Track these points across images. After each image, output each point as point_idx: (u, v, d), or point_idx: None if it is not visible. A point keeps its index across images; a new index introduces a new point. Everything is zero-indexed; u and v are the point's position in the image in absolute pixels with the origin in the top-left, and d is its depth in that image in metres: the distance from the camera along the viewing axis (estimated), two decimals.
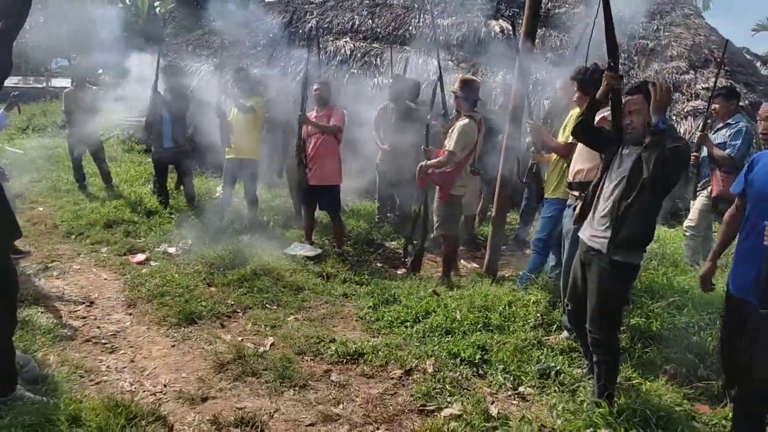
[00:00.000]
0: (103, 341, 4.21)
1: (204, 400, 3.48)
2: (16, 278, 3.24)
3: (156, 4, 32.27)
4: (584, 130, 3.51)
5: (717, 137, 5.66)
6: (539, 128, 5.11)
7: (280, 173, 7.52)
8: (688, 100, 9.10)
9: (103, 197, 8.07)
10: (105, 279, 5.46)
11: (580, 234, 3.51)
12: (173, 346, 4.19)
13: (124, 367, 3.86)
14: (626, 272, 3.29)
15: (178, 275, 5.39)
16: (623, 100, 3.33)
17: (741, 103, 8.45)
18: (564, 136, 4.81)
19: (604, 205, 3.33)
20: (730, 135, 5.53)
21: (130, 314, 4.72)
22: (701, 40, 10.32)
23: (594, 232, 3.35)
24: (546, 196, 5.12)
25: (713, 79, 8.85)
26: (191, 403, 3.43)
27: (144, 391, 3.54)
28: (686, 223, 5.90)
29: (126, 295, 5.07)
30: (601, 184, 3.42)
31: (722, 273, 5.35)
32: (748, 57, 17.68)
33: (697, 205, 5.82)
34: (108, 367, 3.84)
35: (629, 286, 3.52)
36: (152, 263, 5.88)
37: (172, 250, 6.23)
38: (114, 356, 4.01)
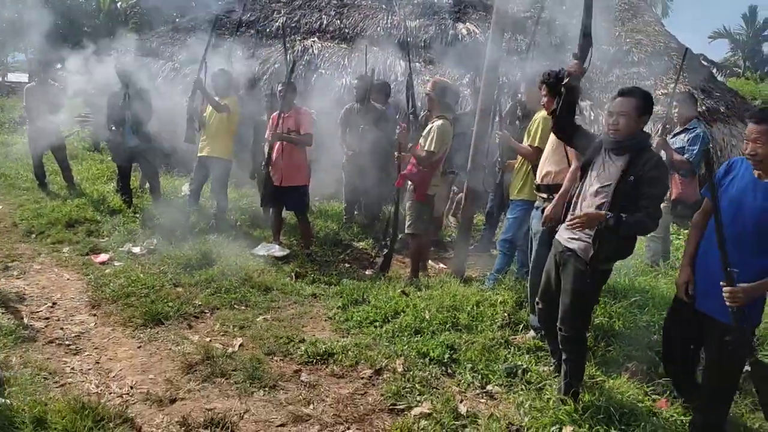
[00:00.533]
0: (67, 342, 4.13)
1: (172, 401, 3.44)
2: None
3: None
4: (560, 128, 3.56)
5: (676, 142, 5.84)
6: (508, 138, 5.19)
7: (252, 174, 7.45)
8: None
9: (65, 195, 7.89)
10: (67, 279, 5.34)
11: (557, 235, 3.56)
12: (139, 347, 4.13)
13: (90, 369, 3.79)
14: (602, 275, 3.41)
15: (144, 275, 5.31)
16: (614, 101, 3.31)
17: (699, 109, 8.74)
18: (530, 140, 4.90)
19: (586, 207, 3.31)
20: (688, 140, 5.72)
21: (95, 315, 4.63)
22: (661, 47, 10.60)
23: (573, 234, 3.38)
24: (512, 197, 5.21)
25: (672, 85, 9.14)
26: (159, 404, 3.39)
27: (110, 393, 3.49)
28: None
29: (89, 296, 4.97)
30: (580, 185, 3.44)
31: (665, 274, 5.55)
32: (705, 64, 18.24)
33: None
34: (73, 368, 3.77)
35: (601, 287, 3.60)
36: (116, 263, 5.78)
37: (136, 249, 6.13)
38: (78, 358, 3.93)
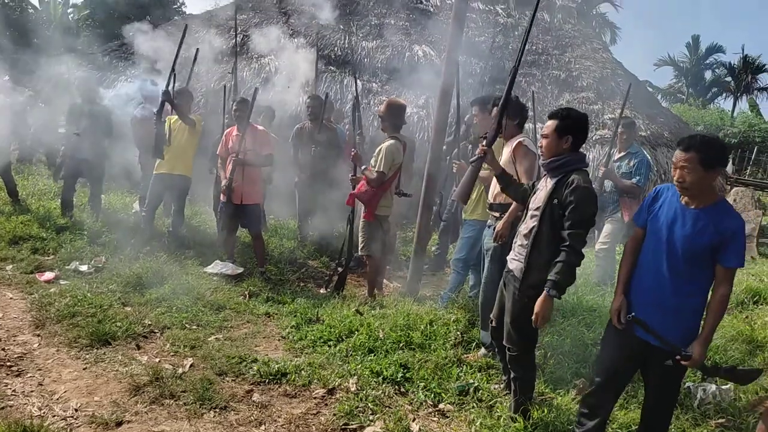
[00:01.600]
0: (9, 364, 3.97)
1: (118, 424, 3.35)
2: None
3: (69, 10, 30.99)
4: (509, 191, 3.73)
5: (621, 167, 6.05)
6: (462, 166, 5.27)
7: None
8: (595, 129, 9.66)
9: (9, 212, 7.62)
10: (10, 298, 5.15)
11: (508, 255, 3.62)
12: (85, 368, 4.01)
13: (32, 391, 3.66)
14: (539, 294, 3.25)
15: (91, 294, 5.17)
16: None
17: (642, 133, 9.09)
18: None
19: (523, 228, 3.43)
20: (634, 164, 5.94)
21: (38, 335, 4.47)
22: (608, 73, 11.02)
23: (512, 255, 3.48)
24: (465, 217, 5.30)
25: (619, 110, 9.50)
26: (105, 427, 3.30)
27: (54, 416, 3.38)
28: (598, 245, 6.23)
29: (33, 316, 4.80)
30: (526, 206, 3.53)
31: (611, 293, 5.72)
32: (650, 90, 18.98)
33: (608, 229, 6.17)
34: (14, 391, 3.63)
35: None
36: (62, 282, 5.61)
37: (83, 268, 5.96)
38: (21, 379, 3.79)
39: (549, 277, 3.13)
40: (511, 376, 3.54)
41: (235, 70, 8.25)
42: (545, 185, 3.36)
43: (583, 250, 3.14)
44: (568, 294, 5.19)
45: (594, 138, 9.41)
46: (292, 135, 7.40)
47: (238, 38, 11.13)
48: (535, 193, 3.48)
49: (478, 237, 5.05)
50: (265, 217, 7.66)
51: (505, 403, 3.69)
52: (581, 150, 3.41)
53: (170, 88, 6.53)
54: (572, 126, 3.27)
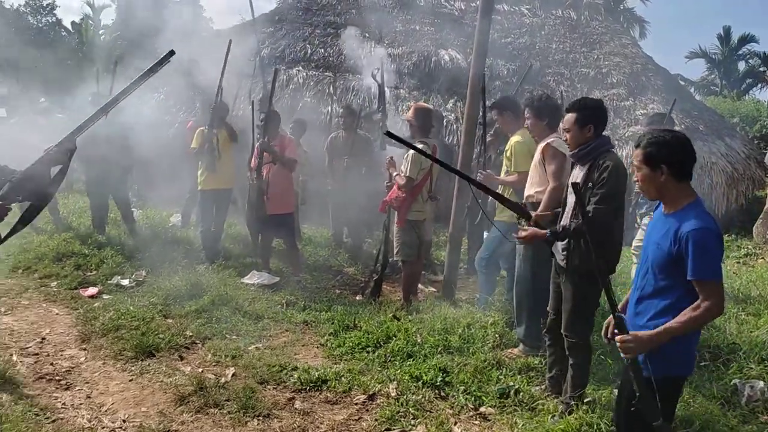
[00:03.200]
0: (57, 378, 4.09)
1: None
2: None
3: (101, 32, 31.81)
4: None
5: None
6: (491, 177, 5.26)
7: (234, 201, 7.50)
8: (628, 126, 9.53)
9: (51, 230, 7.86)
10: (56, 314, 5.31)
11: (553, 248, 3.70)
12: (131, 380, 4.11)
13: (81, 404, 3.76)
14: (592, 280, 3.34)
15: (133, 308, 5.28)
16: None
17: (676, 127, 8.92)
18: (511, 166, 5.01)
19: (564, 220, 3.56)
20: None
21: (84, 349, 4.60)
22: (638, 68, 10.86)
23: (561, 245, 3.59)
24: (495, 218, 5.28)
25: (651, 106, 9.36)
26: None
27: (103, 428, 3.47)
28: (635, 243, 6.14)
29: (79, 330, 4.94)
30: (563, 202, 3.65)
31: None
32: (682, 83, 18.63)
33: (644, 228, 6.08)
34: (64, 404, 3.74)
35: (596, 293, 3.61)
36: (105, 296, 5.75)
37: (125, 282, 6.11)
38: (69, 393, 3.90)
39: (555, 228, 3.44)
40: (569, 362, 3.63)
41: (274, 83, 8.34)
42: (578, 175, 3.53)
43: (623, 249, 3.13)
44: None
45: (627, 134, 9.29)
46: (325, 144, 7.46)
47: (265, 51, 11.32)
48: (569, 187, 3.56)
49: (503, 238, 5.06)
50: (298, 226, 7.74)
51: (547, 405, 3.66)
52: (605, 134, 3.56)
53: (219, 99, 6.74)
54: (591, 115, 3.48)
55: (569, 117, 3.52)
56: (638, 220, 6.17)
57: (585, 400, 3.58)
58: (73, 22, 31.25)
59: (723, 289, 2.47)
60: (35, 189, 2.80)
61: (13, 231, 2.86)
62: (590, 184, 3.39)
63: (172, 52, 2.79)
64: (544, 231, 3.51)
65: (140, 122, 8.93)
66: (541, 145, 4.35)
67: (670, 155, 2.50)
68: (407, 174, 5.37)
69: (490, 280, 5.44)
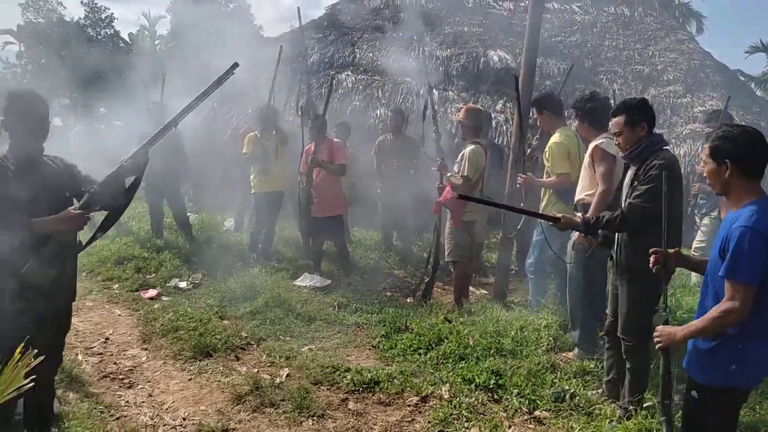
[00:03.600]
0: (121, 377, 4.25)
1: (224, 431, 3.51)
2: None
3: (156, 42, 32.84)
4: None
5: None
6: (531, 180, 5.18)
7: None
8: (685, 123, 9.24)
9: (113, 234, 8.14)
10: (118, 315, 5.51)
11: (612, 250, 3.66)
12: (190, 379, 4.23)
13: (143, 402, 3.89)
14: (646, 283, 3.35)
15: (191, 309, 5.44)
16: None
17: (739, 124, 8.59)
18: (550, 167, 4.95)
19: None
20: None
21: (146, 349, 4.76)
22: (696, 64, 10.51)
23: (615, 248, 3.57)
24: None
25: (710, 102, 9.05)
26: None
27: (164, 425, 3.58)
28: (695, 245, 5.97)
29: (140, 331, 5.12)
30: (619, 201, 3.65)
31: None
32: (742, 79, 17.94)
33: (705, 228, 5.90)
34: (127, 402, 3.88)
35: (653, 295, 3.50)
36: (164, 298, 5.94)
37: (183, 284, 6.29)
38: (132, 391, 4.05)
39: (589, 218, 3.47)
40: (627, 366, 3.56)
41: (330, 89, 8.47)
42: (630, 177, 3.52)
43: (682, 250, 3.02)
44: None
45: (684, 132, 9.00)
46: (374, 148, 7.51)
47: (314, 57, 11.48)
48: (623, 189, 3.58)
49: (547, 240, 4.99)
50: (348, 229, 7.80)
51: (604, 410, 3.59)
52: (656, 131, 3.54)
53: (270, 104, 7.02)
54: (639, 113, 3.44)
55: (617, 120, 3.48)
56: (697, 221, 5.99)
57: (644, 405, 3.49)
58: (130, 34, 32.39)
59: (751, 295, 2.34)
60: (112, 199, 2.97)
61: (93, 238, 3.05)
62: (635, 183, 3.38)
63: (235, 65, 2.91)
64: (577, 220, 3.51)
65: (194, 129, 9.21)
66: (590, 147, 4.27)
67: (735, 150, 2.44)
68: (463, 173, 5.35)
69: (541, 284, 5.37)
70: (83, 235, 3.17)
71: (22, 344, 1.42)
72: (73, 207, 2.96)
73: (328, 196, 6.38)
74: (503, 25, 11.67)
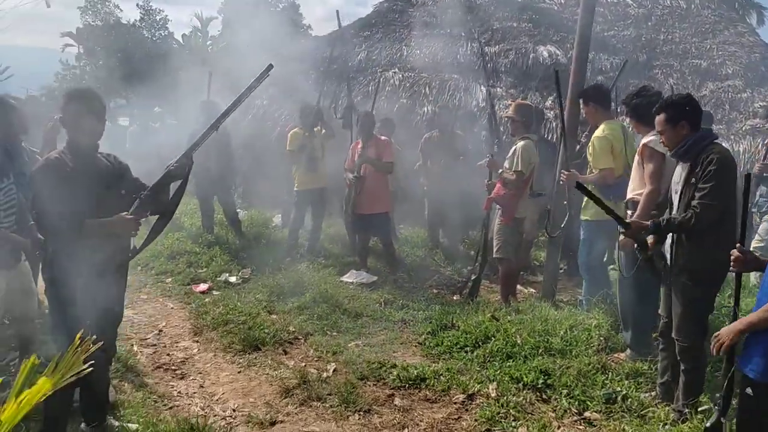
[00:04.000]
0: (173, 368, 4.37)
1: (272, 424, 3.57)
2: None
3: (208, 43, 33.56)
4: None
5: None
6: (574, 176, 5.01)
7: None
8: (745, 119, 8.89)
9: (165, 230, 8.34)
10: (171, 308, 5.66)
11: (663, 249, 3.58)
12: (240, 372, 4.31)
13: (195, 393, 3.99)
14: (703, 283, 3.34)
15: (240, 303, 5.55)
16: None
17: None
18: (593, 162, 4.85)
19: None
20: None
21: (197, 341, 4.88)
22: (756, 58, 10.10)
23: (667, 245, 3.49)
24: (581, 217, 5.09)
25: None
26: (261, 426, 3.53)
27: (215, 416, 3.66)
28: (754, 243, 5.74)
29: (192, 323, 5.24)
30: (669, 199, 3.56)
31: None
32: None
33: (764, 228, 5.67)
34: (179, 392, 3.99)
35: (709, 295, 3.47)
36: (215, 292, 6.07)
37: (232, 279, 6.42)
38: (184, 382, 4.15)
39: (659, 220, 3.34)
40: (681, 368, 3.47)
41: (378, 86, 8.53)
42: (681, 174, 3.43)
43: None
44: (722, 297, 4.83)
45: (744, 128, 8.65)
46: (420, 144, 7.50)
47: (362, 55, 11.53)
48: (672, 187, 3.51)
49: (593, 238, 4.88)
50: (395, 226, 7.81)
51: (658, 413, 3.49)
52: (704, 126, 3.45)
53: (319, 103, 7.12)
54: (681, 111, 3.35)
55: (659, 119, 3.41)
56: (757, 219, 5.75)
57: (699, 409, 3.37)
58: (183, 35, 33.20)
59: None
60: (161, 203, 3.07)
61: (147, 241, 3.15)
62: (693, 180, 3.27)
63: (270, 66, 3.01)
64: (647, 223, 3.40)
65: (244, 127, 9.39)
66: (640, 145, 4.15)
67: None
68: (516, 168, 5.28)
69: (595, 282, 5.23)
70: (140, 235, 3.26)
71: (81, 331, 1.48)
72: (126, 212, 3.05)
73: (375, 193, 6.41)
74: (553, 20, 11.45)
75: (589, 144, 4.91)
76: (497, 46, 11.00)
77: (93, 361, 1.43)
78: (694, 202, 3.19)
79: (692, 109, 3.37)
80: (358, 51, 11.81)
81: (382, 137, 6.63)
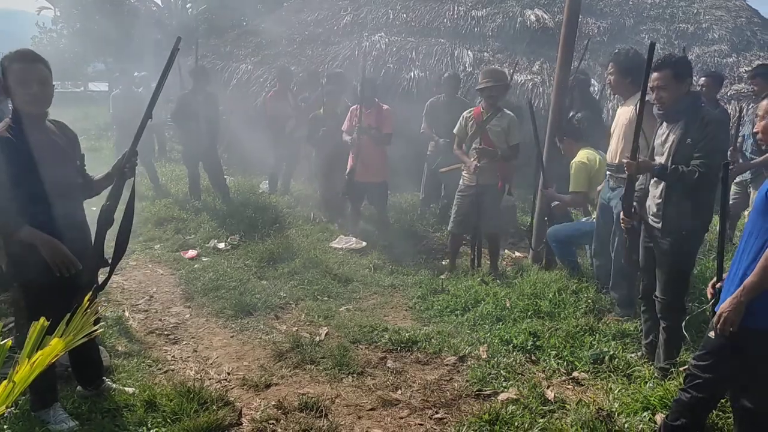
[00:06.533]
0: (166, 333, 4.39)
1: (267, 386, 3.61)
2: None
3: (188, 5, 32.77)
4: None
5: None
6: (551, 195, 5.27)
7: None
8: (731, 84, 8.94)
9: (152, 196, 8.31)
10: (161, 274, 5.66)
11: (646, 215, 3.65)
12: (232, 336, 4.35)
13: (189, 357, 4.02)
14: (686, 242, 3.42)
15: (230, 270, 5.56)
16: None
17: None
18: (570, 181, 5.05)
19: (656, 184, 3.52)
20: None
21: (189, 307, 4.89)
22: (742, 22, 10.12)
23: (652, 208, 3.55)
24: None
25: (757, 62, 8.72)
26: (255, 389, 3.57)
27: (210, 379, 3.70)
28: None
29: (182, 289, 5.25)
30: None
31: None
32: None
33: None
34: (173, 356, 4.01)
35: (690, 254, 3.55)
36: (204, 259, 6.06)
37: (221, 245, 6.41)
38: (178, 347, 4.18)
39: (665, 164, 3.34)
40: (662, 326, 3.57)
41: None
42: (667, 134, 3.45)
43: None
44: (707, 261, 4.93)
45: (729, 93, 8.71)
46: (425, 109, 7.37)
47: (347, 18, 11.37)
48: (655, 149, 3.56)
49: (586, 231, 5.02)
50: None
51: (644, 372, 3.58)
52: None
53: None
54: (686, 68, 3.38)
55: (664, 74, 3.36)
56: (749, 189, 5.79)
57: (682, 369, 3.47)
58: None
59: None
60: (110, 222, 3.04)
61: (107, 279, 3.05)
62: (689, 140, 3.29)
63: (179, 40, 3.00)
64: (653, 163, 3.43)
65: (228, 92, 9.24)
66: (629, 109, 4.17)
67: None
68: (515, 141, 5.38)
69: (561, 248, 5.28)
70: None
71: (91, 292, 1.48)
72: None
73: (373, 161, 6.33)
74: None
75: (571, 164, 5.08)
76: (484, 10, 10.89)
77: (103, 322, 1.43)
78: (696, 162, 3.21)
79: (691, 68, 3.42)
80: (343, 14, 11.64)
81: (384, 106, 6.52)
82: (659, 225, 3.48)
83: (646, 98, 3.44)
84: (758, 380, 2.54)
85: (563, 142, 5.30)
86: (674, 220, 3.40)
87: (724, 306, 2.49)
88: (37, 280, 2.79)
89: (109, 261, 3.03)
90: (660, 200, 3.47)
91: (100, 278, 3.10)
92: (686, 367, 3.41)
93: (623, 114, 4.30)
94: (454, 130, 5.61)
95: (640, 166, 3.43)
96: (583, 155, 5.02)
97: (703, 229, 3.48)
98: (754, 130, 2.74)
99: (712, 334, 2.58)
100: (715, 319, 2.53)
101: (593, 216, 5.01)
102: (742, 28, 9.99)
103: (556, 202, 5.28)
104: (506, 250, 6.39)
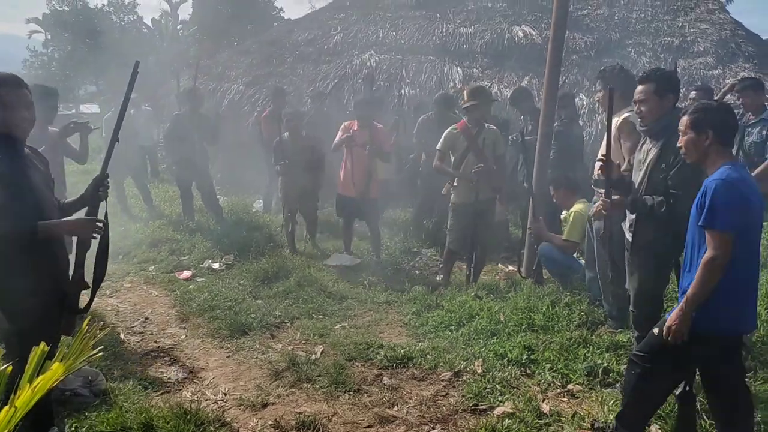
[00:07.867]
0: (162, 354, 4.39)
1: (264, 406, 3.62)
2: None
3: (179, 27, 33.00)
4: None
5: (752, 134, 5.49)
6: (542, 232, 5.36)
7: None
8: (717, 95, 9.06)
9: (145, 217, 8.32)
10: (156, 295, 5.66)
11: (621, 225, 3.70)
12: (228, 356, 4.35)
13: (185, 378, 4.02)
14: (657, 259, 3.45)
15: (225, 289, 5.57)
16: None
17: None
18: (566, 228, 5.27)
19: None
20: (766, 133, 5.35)
21: (184, 328, 4.89)
22: (727, 35, 10.27)
23: (627, 224, 3.60)
24: None
25: (742, 74, 8.86)
26: (252, 409, 3.58)
27: (206, 400, 3.70)
28: None
29: (177, 310, 5.25)
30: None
31: None
32: None
33: None
34: (170, 378, 4.01)
35: (662, 271, 3.56)
36: (198, 279, 6.07)
37: (216, 265, 6.42)
38: (174, 368, 4.18)
39: (637, 198, 3.38)
40: (635, 335, 3.64)
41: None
42: (648, 151, 3.44)
43: None
44: None
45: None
46: (416, 126, 7.43)
47: (337, 37, 11.49)
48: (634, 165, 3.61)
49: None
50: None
51: None
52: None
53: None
54: (669, 83, 3.38)
55: (645, 88, 3.38)
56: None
57: None
58: (153, 19, 32.61)
59: (730, 242, 2.53)
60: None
61: (92, 298, 2.98)
62: (663, 165, 3.28)
63: (137, 63, 3.03)
64: (623, 200, 3.47)
65: (222, 111, 9.29)
66: (618, 120, 4.23)
67: (714, 120, 2.68)
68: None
69: (552, 263, 5.36)
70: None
71: (88, 319, 1.49)
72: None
73: (365, 178, 6.36)
74: (528, 0, 11.51)
75: (569, 213, 5.25)
76: (472, 27, 11.04)
77: (102, 347, 1.45)
78: (669, 190, 3.23)
79: (677, 84, 3.44)
80: (333, 33, 11.77)
81: (378, 126, 6.57)
82: (631, 239, 3.52)
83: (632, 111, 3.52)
84: (713, 380, 2.83)
85: (558, 192, 5.43)
86: (644, 238, 3.42)
87: (671, 318, 2.65)
88: (36, 326, 2.70)
89: (89, 284, 2.99)
90: (633, 217, 3.51)
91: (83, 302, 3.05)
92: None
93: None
94: (438, 146, 5.67)
95: (614, 204, 3.46)
96: (582, 207, 5.13)
97: (676, 249, 3.35)
98: (677, 144, 2.88)
99: (656, 330, 2.77)
100: (665, 329, 2.67)
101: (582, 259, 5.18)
102: (726, 40, 10.13)
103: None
104: (499, 264, 6.43)
